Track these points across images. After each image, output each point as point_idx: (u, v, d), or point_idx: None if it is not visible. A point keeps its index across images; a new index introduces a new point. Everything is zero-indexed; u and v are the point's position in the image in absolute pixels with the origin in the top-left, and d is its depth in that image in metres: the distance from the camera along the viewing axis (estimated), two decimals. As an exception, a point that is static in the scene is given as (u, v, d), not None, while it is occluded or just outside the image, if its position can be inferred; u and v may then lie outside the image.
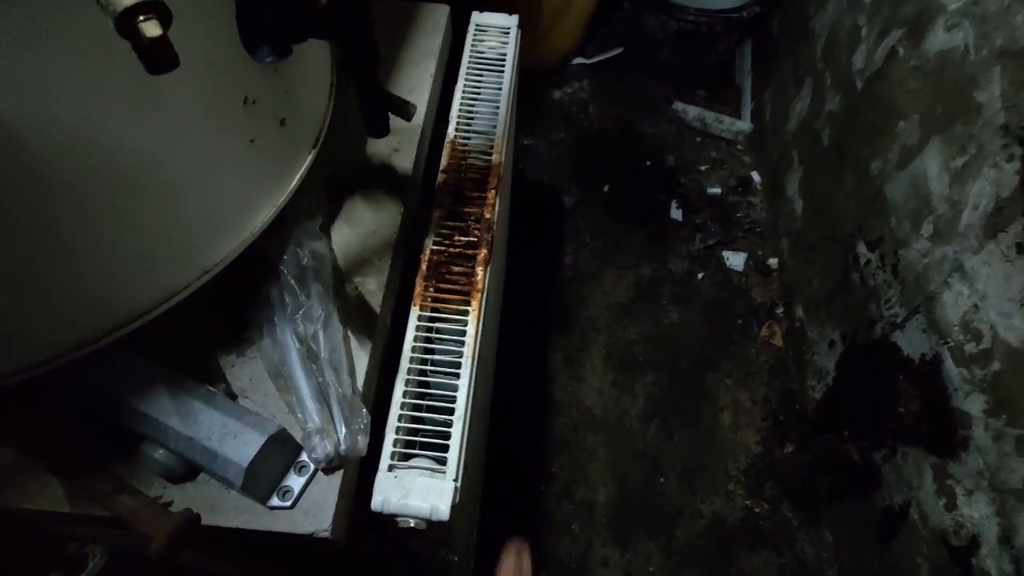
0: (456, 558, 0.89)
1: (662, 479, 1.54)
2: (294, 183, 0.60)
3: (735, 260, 1.86)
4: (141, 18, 0.27)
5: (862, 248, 1.40)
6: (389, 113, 0.59)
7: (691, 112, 2.10)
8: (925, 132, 1.21)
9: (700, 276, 1.85)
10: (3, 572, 0.69)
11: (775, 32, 2.00)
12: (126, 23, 0.27)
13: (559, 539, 1.45)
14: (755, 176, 2.01)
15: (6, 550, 0.66)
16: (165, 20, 0.28)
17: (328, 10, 0.46)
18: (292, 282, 0.62)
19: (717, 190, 1.99)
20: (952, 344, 1.10)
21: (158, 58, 0.29)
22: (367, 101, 0.55)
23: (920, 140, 1.23)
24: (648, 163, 2.04)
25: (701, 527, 1.48)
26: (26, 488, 0.56)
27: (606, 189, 1.99)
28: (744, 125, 2.07)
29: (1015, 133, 0.99)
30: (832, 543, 1.46)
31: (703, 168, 2.04)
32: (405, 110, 0.60)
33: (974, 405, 1.04)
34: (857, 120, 1.47)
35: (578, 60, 2.22)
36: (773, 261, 1.85)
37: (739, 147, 2.07)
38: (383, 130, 0.59)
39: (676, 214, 1.94)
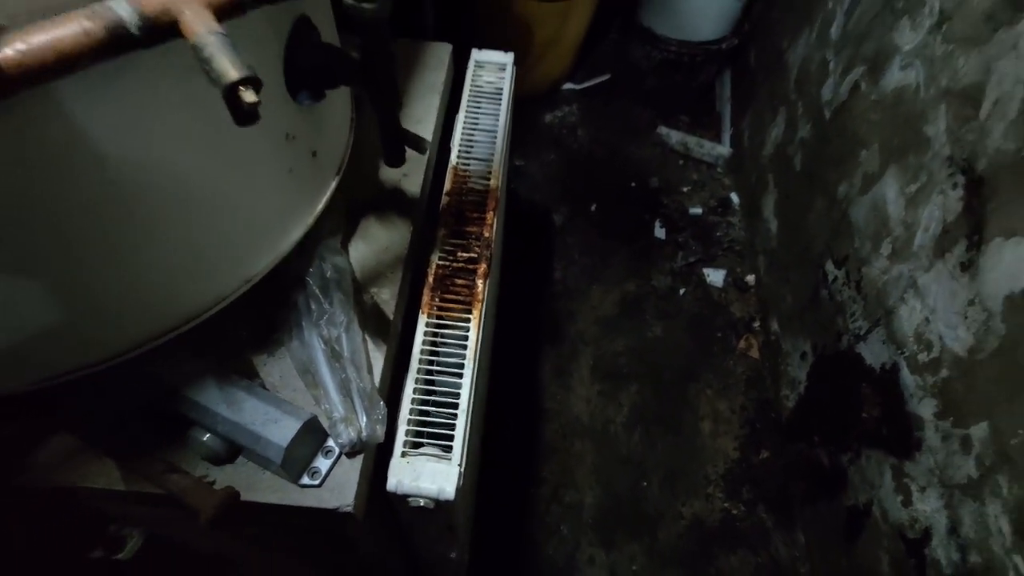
0: (454, 555, 0.97)
1: (645, 483, 1.62)
2: (321, 205, 0.69)
3: (715, 277, 1.97)
4: (242, 89, 0.36)
5: (830, 266, 1.51)
6: (405, 146, 0.69)
7: (674, 136, 2.22)
8: (884, 160, 1.33)
9: (682, 292, 1.95)
10: (53, 546, 0.76)
11: (752, 63, 2.13)
12: (230, 92, 0.36)
13: (549, 539, 1.53)
14: (734, 198, 2.12)
15: (56, 527, 0.73)
16: (258, 89, 0.37)
17: (362, 64, 0.55)
18: (317, 292, 0.71)
19: (698, 210, 2.10)
20: (907, 354, 1.20)
21: (248, 116, 0.38)
22: (387, 136, 0.65)
23: (880, 167, 1.34)
24: (633, 184, 2.16)
25: (682, 528, 1.57)
26: (87, 470, 0.64)
27: (594, 208, 2.09)
28: (724, 149, 2.19)
29: (958, 164, 1.10)
30: (804, 543, 1.55)
31: (685, 189, 2.15)
32: (420, 145, 0.70)
33: (926, 409, 1.14)
34: (826, 147, 1.58)
35: (568, 86, 2.34)
36: (750, 278, 1.96)
37: (719, 170, 2.19)
38: (400, 161, 0.68)
39: (660, 233, 2.05)
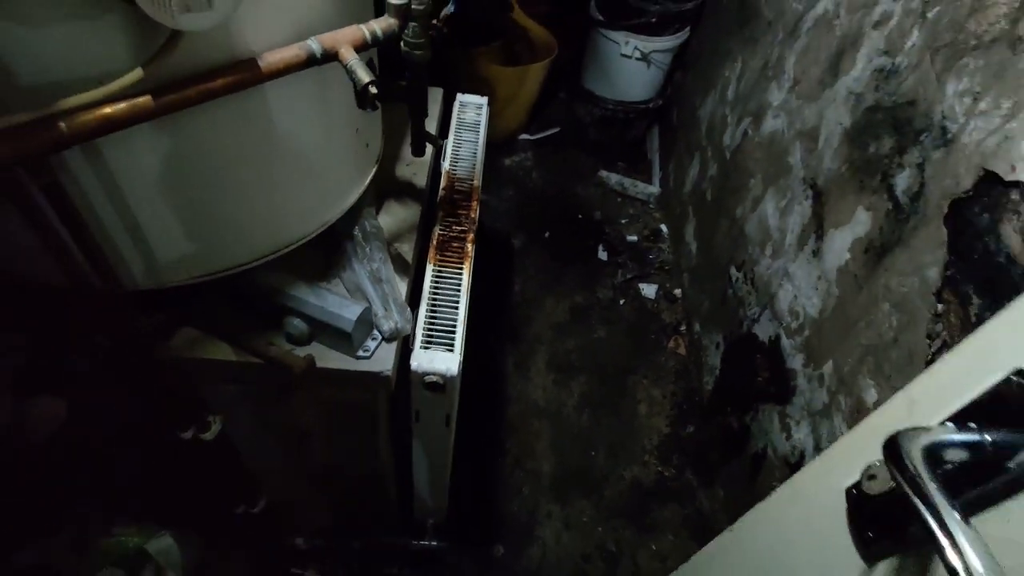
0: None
1: (593, 453, 1.94)
2: (368, 180, 1.04)
3: (648, 290, 2.36)
4: (370, 87, 0.71)
5: (733, 271, 1.92)
6: (427, 142, 1.05)
7: (613, 178, 2.66)
8: (765, 186, 1.76)
9: (622, 303, 2.33)
10: (154, 423, 1.03)
11: (674, 119, 2.61)
12: (363, 89, 0.71)
13: (513, 499, 1.82)
14: (663, 227, 2.55)
15: (163, 406, 1.01)
16: (378, 87, 0.72)
17: (408, 88, 0.91)
18: (361, 239, 1.05)
19: (634, 238, 2.52)
20: (784, 325, 1.60)
21: (372, 103, 0.73)
22: (416, 134, 1.01)
23: (762, 191, 1.77)
24: (580, 216, 2.57)
25: (624, 487, 1.88)
26: (206, 348, 0.94)
27: (547, 235, 2.48)
28: (654, 189, 2.64)
29: (808, 182, 1.53)
30: (723, 497, 1.88)
31: (623, 221, 2.57)
32: (436, 141, 1.05)
33: (797, 363, 1.52)
34: (727, 181, 2.03)
35: (524, 136, 2.78)
36: (677, 291, 2.36)
37: (651, 205, 2.63)
38: (422, 151, 1.04)
39: (602, 255, 2.45)
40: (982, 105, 1.02)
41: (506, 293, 2.29)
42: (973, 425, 0.43)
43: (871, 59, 1.33)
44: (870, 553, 0.52)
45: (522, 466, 1.89)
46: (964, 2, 1.08)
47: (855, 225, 1.32)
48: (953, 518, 0.38)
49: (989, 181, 0.99)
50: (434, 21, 0.80)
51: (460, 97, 1.46)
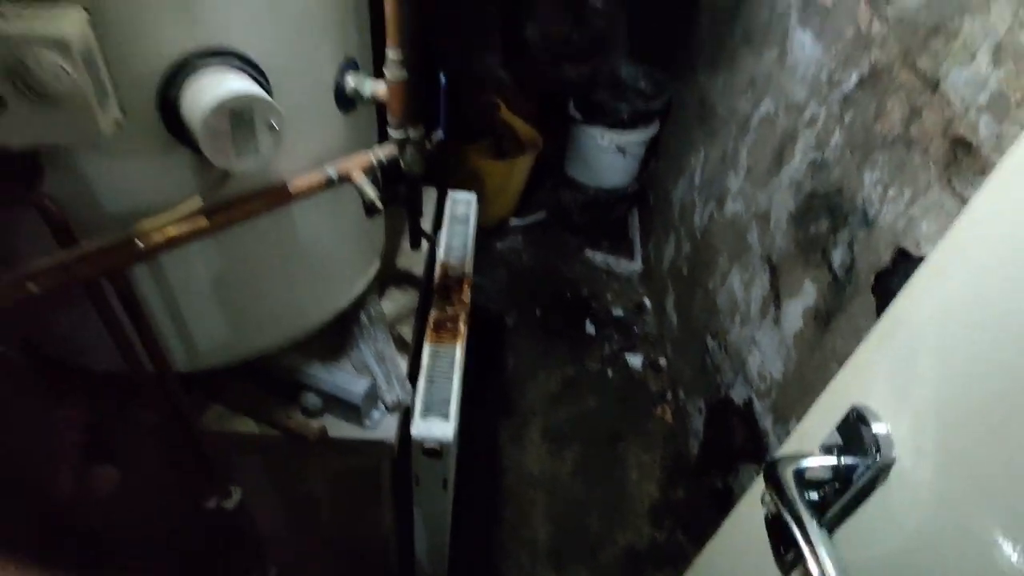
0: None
1: (587, 519, 2.02)
2: (372, 272, 1.21)
3: (635, 361, 2.50)
4: (376, 202, 0.89)
5: (709, 339, 2.07)
6: (422, 238, 1.23)
7: (598, 257, 2.86)
8: (730, 262, 1.95)
9: (610, 374, 2.46)
10: (189, 488, 1.15)
11: (651, 202, 2.83)
12: (371, 204, 0.89)
13: (510, 567, 1.89)
14: (646, 300, 2.72)
15: (189, 477, 1.13)
16: (382, 204, 0.90)
17: (406, 195, 1.10)
18: (367, 322, 1.21)
19: (620, 312, 2.68)
20: (755, 388, 1.73)
21: (375, 213, 0.90)
22: (413, 231, 1.19)
23: (729, 267, 1.95)
24: (568, 294, 2.74)
25: (618, 552, 1.95)
26: (232, 422, 1.07)
27: (538, 313, 2.65)
28: (636, 266, 2.83)
29: (765, 259, 1.71)
30: (714, 559, 1.95)
31: (609, 296, 2.75)
32: (430, 238, 1.23)
33: (768, 422, 1.65)
34: (699, 257, 2.21)
35: (514, 221, 2.99)
36: (662, 360, 2.51)
37: (634, 282, 2.81)
38: (418, 245, 1.21)
39: (590, 329, 2.60)
40: (891, 193, 1.21)
41: (501, 368, 2.42)
42: (833, 451, 0.57)
43: (806, 153, 1.54)
44: (785, 568, 0.65)
45: (519, 534, 1.97)
46: (870, 109, 1.29)
47: (804, 295, 1.49)
48: (813, 528, 0.52)
49: (903, 256, 1.17)
50: (427, 144, 0.99)
51: (452, 194, 1.66)
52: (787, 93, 1.65)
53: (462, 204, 1.65)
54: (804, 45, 1.56)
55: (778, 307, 1.62)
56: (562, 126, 2.80)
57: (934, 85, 1.10)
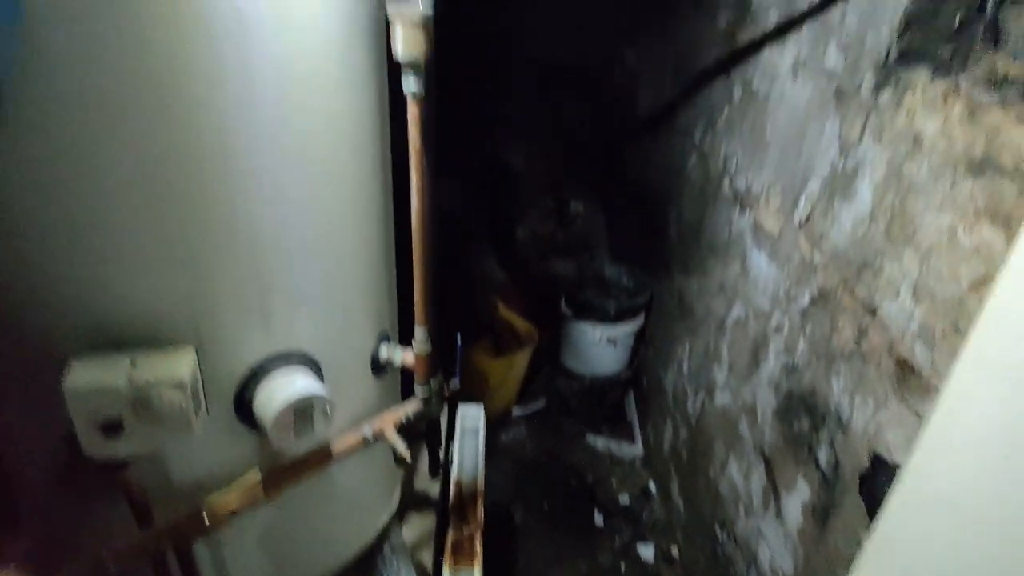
0: None
1: None
2: (395, 501, 1.30)
3: (646, 552, 2.48)
4: (402, 453, 1.02)
5: (718, 529, 2.10)
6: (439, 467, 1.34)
7: (599, 442, 2.94)
8: (726, 451, 2.04)
9: (623, 567, 2.43)
10: None
11: (645, 387, 2.98)
12: (400, 456, 1.02)
13: None
14: (651, 485, 2.76)
15: None
16: (407, 455, 1.03)
17: (426, 432, 1.23)
18: (389, 553, 1.27)
19: (626, 499, 2.70)
20: (768, 583, 1.74)
21: (403, 463, 1.03)
22: (432, 459, 1.30)
23: (726, 456, 2.04)
24: (573, 482, 2.78)
25: None
26: None
27: (545, 506, 2.66)
28: (637, 449, 2.90)
29: (758, 451, 1.82)
30: None
31: (614, 482, 2.78)
32: (446, 468, 1.34)
33: (787, 622, 1.64)
34: (697, 443, 2.31)
35: (516, 411, 3.11)
36: (674, 550, 2.48)
37: (636, 465, 2.86)
38: (437, 472, 1.32)
39: (599, 520, 2.61)
40: (857, 400, 1.35)
41: (512, 571, 2.39)
42: None
43: (779, 356, 1.72)
44: None
45: None
46: (826, 324, 1.48)
47: (800, 491, 1.58)
48: None
49: (880, 461, 1.28)
50: (445, 392, 1.15)
51: (461, 408, 1.79)
52: (753, 302, 1.86)
53: (471, 418, 1.78)
54: (761, 264, 1.81)
55: (777, 500, 1.69)
56: (555, 320, 3.03)
57: (872, 311, 1.30)
